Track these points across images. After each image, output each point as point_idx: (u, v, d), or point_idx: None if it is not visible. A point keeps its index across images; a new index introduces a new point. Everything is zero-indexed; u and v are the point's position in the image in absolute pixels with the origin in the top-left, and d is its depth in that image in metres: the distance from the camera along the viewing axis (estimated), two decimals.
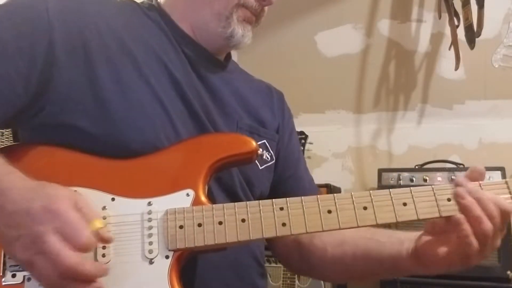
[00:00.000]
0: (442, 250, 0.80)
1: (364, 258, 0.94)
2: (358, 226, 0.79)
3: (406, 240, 0.88)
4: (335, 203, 0.79)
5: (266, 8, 0.99)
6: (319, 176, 2.50)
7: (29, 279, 0.72)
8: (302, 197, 0.79)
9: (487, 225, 0.77)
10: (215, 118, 0.94)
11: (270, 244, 1.08)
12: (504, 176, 2.15)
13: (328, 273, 1.04)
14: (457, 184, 0.81)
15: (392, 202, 0.80)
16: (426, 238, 0.83)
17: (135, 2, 0.99)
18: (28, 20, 0.81)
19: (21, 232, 0.65)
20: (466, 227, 0.77)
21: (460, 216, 0.78)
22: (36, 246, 0.64)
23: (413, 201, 0.80)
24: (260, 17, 0.99)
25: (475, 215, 0.77)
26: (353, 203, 0.79)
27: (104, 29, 0.87)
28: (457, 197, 0.79)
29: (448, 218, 0.79)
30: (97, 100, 0.82)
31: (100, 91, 0.83)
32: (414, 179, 2.29)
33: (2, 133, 1.89)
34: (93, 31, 0.85)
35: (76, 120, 0.82)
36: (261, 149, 0.98)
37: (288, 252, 1.07)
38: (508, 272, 1.94)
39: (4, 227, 0.67)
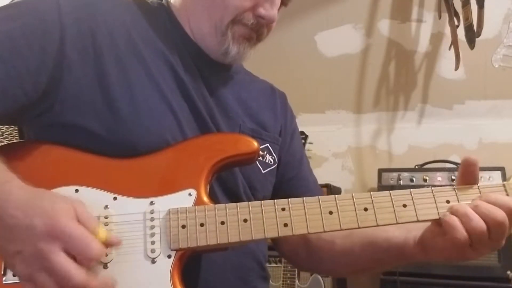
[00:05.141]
0: (439, 242, 0.80)
1: (372, 247, 0.94)
2: (359, 227, 0.79)
3: (414, 228, 0.88)
4: (336, 204, 0.80)
5: (273, 25, 0.95)
6: (319, 176, 2.46)
7: None
8: (304, 198, 0.80)
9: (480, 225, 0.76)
10: (218, 121, 0.94)
11: (276, 243, 1.08)
12: (504, 176, 2.15)
13: (336, 266, 1.04)
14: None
15: (392, 204, 0.80)
16: (433, 228, 0.83)
17: (145, 0, 0.98)
18: (39, 18, 0.81)
19: (22, 248, 0.65)
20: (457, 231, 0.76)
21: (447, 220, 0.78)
22: (39, 263, 0.64)
23: (413, 202, 0.80)
24: (261, 34, 0.95)
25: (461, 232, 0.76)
26: (354, 204, 0.80)
27: (114, 28, 0.87)
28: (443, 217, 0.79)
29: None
30: (105, 100, 0.82)
31: (109, 91, 0.83)
32: (414, 179, 2.29)
33: (2, 133, 1.89)
34: (103, 30, 0.85)
35: (84, 120, 0.82)
36: (261, 151, 0.98)
37: (294, 249, 1.06)
38: (508, 272, 1.94)
39: (2, 240, 0.66)
